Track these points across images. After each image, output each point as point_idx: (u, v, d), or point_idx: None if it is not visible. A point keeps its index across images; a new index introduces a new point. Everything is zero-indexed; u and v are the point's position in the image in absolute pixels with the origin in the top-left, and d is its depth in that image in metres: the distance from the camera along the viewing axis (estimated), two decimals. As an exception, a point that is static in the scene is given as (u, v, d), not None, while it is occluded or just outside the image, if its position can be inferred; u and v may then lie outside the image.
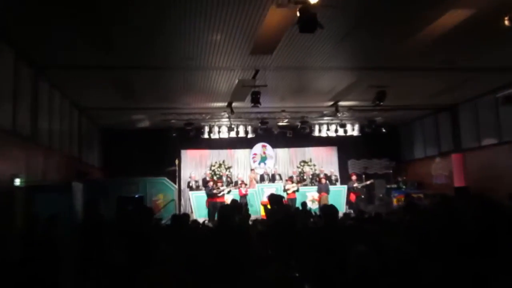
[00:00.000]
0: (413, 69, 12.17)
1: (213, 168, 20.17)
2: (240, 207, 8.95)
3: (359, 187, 17.95)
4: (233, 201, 9.69)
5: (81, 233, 7.26)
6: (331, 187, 17.99)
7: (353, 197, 17.97)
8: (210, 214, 16.22)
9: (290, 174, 19.38)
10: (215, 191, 16.53)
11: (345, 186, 18.38)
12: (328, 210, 6.29)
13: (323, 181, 17.85)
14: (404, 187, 19.21)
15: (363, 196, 18.65)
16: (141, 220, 7.04)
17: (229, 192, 16.94)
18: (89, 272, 6.57)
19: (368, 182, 18.46)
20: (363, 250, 4.36)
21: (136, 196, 15.12)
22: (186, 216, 8.04)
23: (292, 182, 17.60)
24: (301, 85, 13.72)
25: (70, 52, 9.96)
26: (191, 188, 18.08)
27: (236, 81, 12.65)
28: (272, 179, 19.10)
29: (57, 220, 7.29)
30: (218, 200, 16.51)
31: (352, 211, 16.90)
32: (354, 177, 18.39)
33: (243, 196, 16.89)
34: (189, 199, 18.12)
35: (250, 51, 10.28)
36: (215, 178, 19.13)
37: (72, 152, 14.56)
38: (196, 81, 12.75)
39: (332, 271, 5.20)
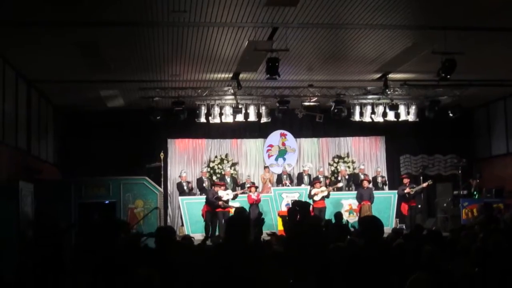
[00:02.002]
0: (495, 30, 12.06)
1: (211, 164, 20.21)
2: (248, 219, 8.99)
3: (412, 192, 17.86)
4: (241, 210, 9.72)
5: (32, 251, 7.35)
6: (376, 193, 17.96)
7: (405, 207, 17.96)
8: (207, 229, 16.26)
9: (317, 175, 19.38)
10: (220, 202, 16.63)
11: (395, 192, 18.36)
12: (369, 224, 6.28)
13: (365, 184, 17.86)
14: (477, 194, 19.13)
15: (419, 206, 18.59)
16: (111, 236, 7.10)
17: (234, 198, 17.01)
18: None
19: (424, 185, 18.36)
20: (424, 279, 4.37)
21: (106, 202, 15.24)
22: (170, 230, 8.06)
23: (321, 186, 17.62)
24: (337, 50, 13.66)
25: (15, 3, 10.00)
26: (182, 192, 18.15)
27: (246, 43, 12.63)
28: (299, 180, 19.11)
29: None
30: (219, 210, 16.64)
31: (404, 226, 16.91)
32: (406, 181, 18.33)
33: (254, 204, 16.94)
34: (179, 206, 18.24)
35: (266, 1, 10.24)
36: (214, 178, 19.18)
37: (18, 142, 14.67)
38: (189, 43, 12.74)
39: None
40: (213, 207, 16.63)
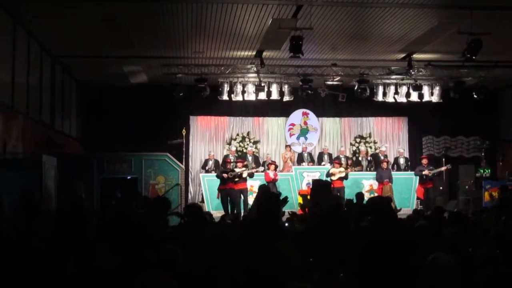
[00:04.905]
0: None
1: (233, 142, 20.27)
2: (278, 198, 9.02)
3: (429, 175, 17.76)
4: (266, 188, 9.72)
5: (54, 225, 7.42)
6: (398, 174, 17.91)
7: (420, 190, 17.90)
8: (224, 206, 16.28)
9: (338, 155, 19.31)
10: (225, 175, 16.59)
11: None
12: (376, 203, 6.27)
13: (385, 165, 17.83)
14: (489, 173, 19.02)
15: (441, 188, 18.49)
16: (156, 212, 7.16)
17: (251, 175, 17.06)
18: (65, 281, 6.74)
19: (443, 169, 18.25)
20: (443, 260, 4.35)
21: (128, 177, 15.38)
22: (199, 207, 8.12)
23: (340, 165, 17.62)
24: (361, 29, 13.61)
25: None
26: (205, 169, 18.23)
27: (270, 20, 12.59)
28: (319, 160, 19.10)
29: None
30: (236, 187, 16.65)
31: (422, 207, 16.88)
32: (424, 161, 18.21)
33: (271, 182, 16.92)
34: (200, 183, 18.34)
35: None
36: (232, 157, 19.22)
37: (42, 117, 14.82)
38: (212, 20, 12.74)
39: (395, 286, 5.22)
40: (223, 183, 16.60)
